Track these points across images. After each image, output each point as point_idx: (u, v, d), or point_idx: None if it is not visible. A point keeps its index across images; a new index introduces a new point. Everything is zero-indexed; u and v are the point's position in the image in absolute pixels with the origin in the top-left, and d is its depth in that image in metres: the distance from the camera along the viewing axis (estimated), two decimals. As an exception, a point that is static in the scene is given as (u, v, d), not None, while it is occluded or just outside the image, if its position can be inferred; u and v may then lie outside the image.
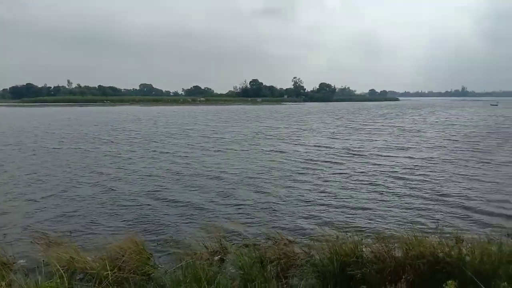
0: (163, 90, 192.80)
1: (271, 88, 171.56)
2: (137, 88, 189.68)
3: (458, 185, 13.20)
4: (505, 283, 4.11)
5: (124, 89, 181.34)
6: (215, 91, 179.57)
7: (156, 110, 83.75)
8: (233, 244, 7.88)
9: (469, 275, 4.93)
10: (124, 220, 10.00)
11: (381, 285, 4.93)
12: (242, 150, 22.54)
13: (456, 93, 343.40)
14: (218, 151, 22.20)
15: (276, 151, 21.76)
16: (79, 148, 23.76)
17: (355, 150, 21.74)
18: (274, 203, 11.38)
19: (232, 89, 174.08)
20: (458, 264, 5.12)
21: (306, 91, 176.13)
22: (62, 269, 5.42)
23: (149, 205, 11.38)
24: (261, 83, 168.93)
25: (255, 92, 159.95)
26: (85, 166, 17.66)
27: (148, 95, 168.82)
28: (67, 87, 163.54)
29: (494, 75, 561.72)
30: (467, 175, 14.77)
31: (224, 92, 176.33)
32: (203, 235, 8.29)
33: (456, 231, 6.73)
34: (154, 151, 22.30)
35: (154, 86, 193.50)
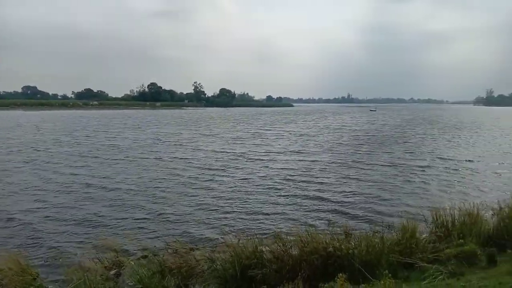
0: (50, 93, 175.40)
1: (171, 92, 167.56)
2: (19, 91, 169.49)
3: (346, 185, 14.40)
4: (386, 271, 4.56)
5: (3, 91, 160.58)
6: (109, 95, 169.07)
7: (41, 115, 75.89)
8: (131, 256, 7.47)
9: (357, 266, 5.39)
10: (2, 239, 8.84)
11: (280, 283, 5.10)
12: (138, 158, 21.54)
13: (343, 100, 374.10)
14: (111, 159, 20.94)
15: (175, 158, 21.29)
16: None
17: (252, 155, 22.38)
18: (173, 212, 11.08)
19: (129, 93, 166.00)
20: (347, 257, 5.55)
21: (206, 96, 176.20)
22: None
23: (32, 220, 10.23)
24: (160, 87, 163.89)
25: (154, 96, 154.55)
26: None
27: (32, 98, 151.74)
28: None
29: (375, 84, 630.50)
30: (353, 175, 16.19)
31: (120, 96, 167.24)
32: (97, 250, 7.70)
33: (346, 226, 7.27)
34: (36, 160, 20.17)
35: (39, 88, 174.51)
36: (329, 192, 13.35)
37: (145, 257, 7.23)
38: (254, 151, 24.07)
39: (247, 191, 13.48)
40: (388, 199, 12.44)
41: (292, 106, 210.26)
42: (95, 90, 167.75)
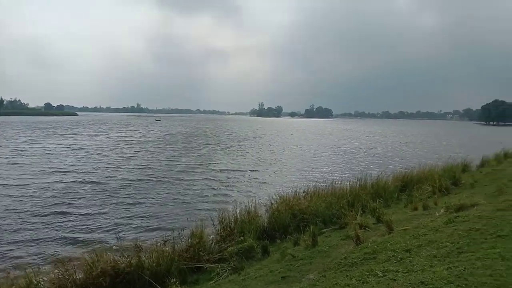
0: None
1: None
2: None
3: (138, 203, 13.98)
4: (174, 278, 4.65)
5: None
6: None
7: None
8: None
9: (147, 279, 5.31)
10: None
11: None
12: None
13: (132, 109, 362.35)
14: None
15: None
16: None
17: (14, 177, 18.14)
18: None
19: None
20: (137, 271, 5.41)
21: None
22: None
23: None
24: None
25: None
26: None
27: None
28: None
29: (164, 94, 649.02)
30: (143, 192, 15.78)
31: None
32: None
33: (136, 240, 7.10)
34: None
35: None
36: (119, 210, 12.60)
37: None
38: (14, 174, 19.27)
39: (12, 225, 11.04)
40: (181, 210, 12.67)
41: (76, 115, 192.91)
42: None
